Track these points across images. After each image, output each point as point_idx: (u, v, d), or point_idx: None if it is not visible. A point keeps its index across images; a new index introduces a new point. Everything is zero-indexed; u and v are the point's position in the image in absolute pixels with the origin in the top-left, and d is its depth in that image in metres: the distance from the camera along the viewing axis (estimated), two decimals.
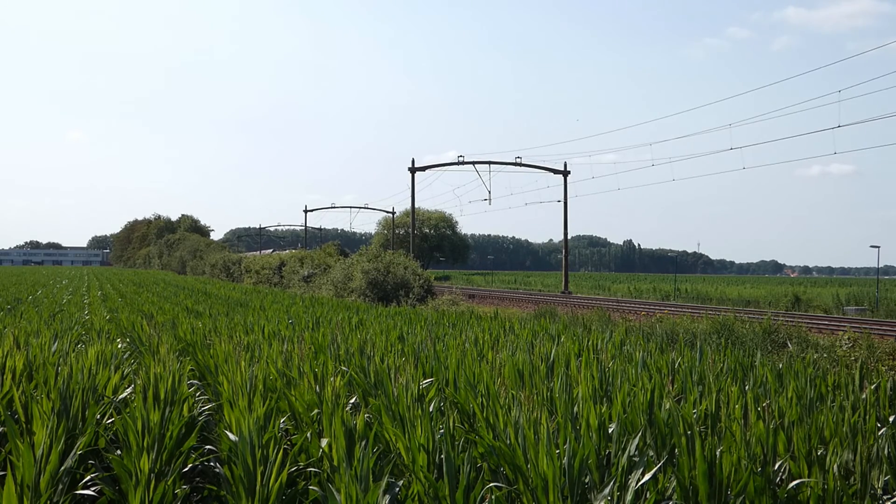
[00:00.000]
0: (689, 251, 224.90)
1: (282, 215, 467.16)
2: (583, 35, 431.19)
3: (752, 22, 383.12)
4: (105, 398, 6.84)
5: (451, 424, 5.39)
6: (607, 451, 5.02)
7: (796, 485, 4.66)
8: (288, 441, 6.44)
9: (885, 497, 4.83)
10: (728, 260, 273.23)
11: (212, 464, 6.02)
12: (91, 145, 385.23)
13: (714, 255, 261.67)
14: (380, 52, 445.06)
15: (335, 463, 5.01)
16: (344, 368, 7.95)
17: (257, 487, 4.68)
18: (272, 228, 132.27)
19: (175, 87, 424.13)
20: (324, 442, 5.39)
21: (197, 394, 8.09)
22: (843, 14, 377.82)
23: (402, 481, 4.90)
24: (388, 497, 4.41)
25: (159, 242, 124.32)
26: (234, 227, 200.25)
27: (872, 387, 6.40)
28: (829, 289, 51.60)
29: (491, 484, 4.83)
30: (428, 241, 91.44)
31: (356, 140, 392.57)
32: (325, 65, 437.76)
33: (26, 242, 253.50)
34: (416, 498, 4.77)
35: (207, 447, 6.31)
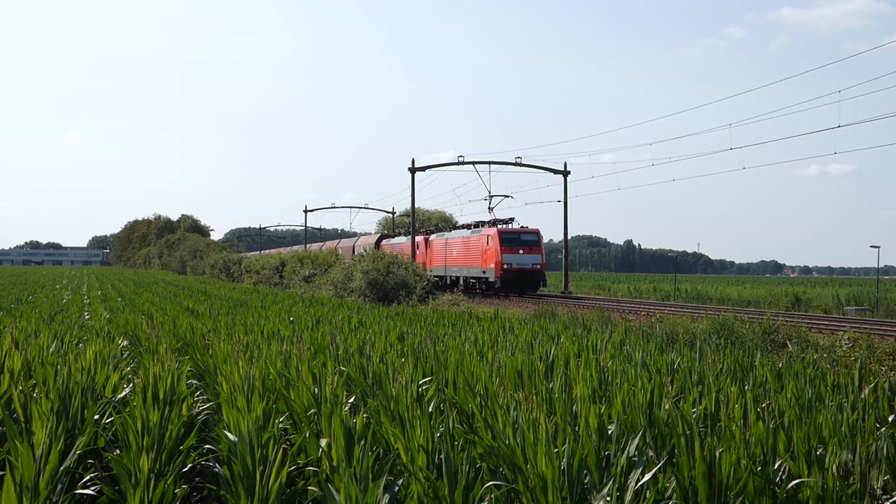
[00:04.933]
0: (689, 251, 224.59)
1: (282, 215, 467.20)
2: (582, 35, 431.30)
3: (748, 22, 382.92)
4: (104, 398, 6.85)
5: (450, 424, 5.39)
6: (606, 451, 5.02)
7: (796, 485, 4.66)
8: (287, 441, 6.44)
9: (884, 497, 4.83)
10: (728, 260, 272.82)
11: (211, 463, 6.02)
12: (91, 145, 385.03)
13: (714, 255, 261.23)
14: (381, 53, 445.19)
15: (334, 463, 5.01)
16: (343, 368, 7.95)
17: (257, 487, 4.68)
18: (272, 228, 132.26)
19: (175, 88, 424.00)
20: (323, 442, 5.39)
21: (196, 394, 8.09)
22: (838, 14, 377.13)
23: (401, 481, 4.90)
24: (387, 496, 4.41)
25: (159, 242, 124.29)
26: (234, 227, 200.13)
27: (871, 386, 6.40)
28: (829, 289, 51.60)
29: (490, 483, 4.82)
30: None
31: (356, 140, 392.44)
32: (326, 65, 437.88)
33: (26, 242, 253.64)
34: (416, 497, 4.77)
35: (207, 447, 6.31)
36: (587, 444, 4.64)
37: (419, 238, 48.78)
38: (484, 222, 43.43)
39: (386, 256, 32.28)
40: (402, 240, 53.86)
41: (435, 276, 43.94)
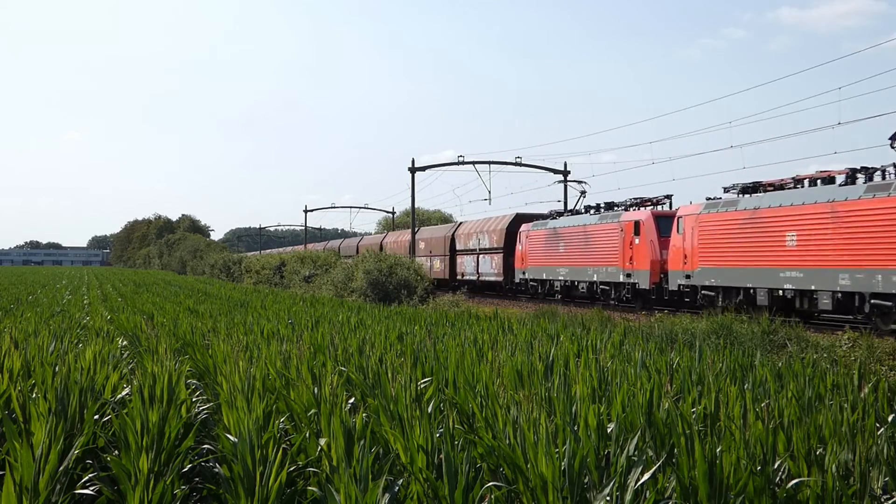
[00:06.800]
0: None
1: (282, 215, 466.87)
2: (582, 35, 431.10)
3: (747, 22, 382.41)
4: (103, 398, 6.84)
5: (450, 424, 5.38)
6: (606, 450, 5.01)
7: (795, 484, 4.66)
8: (287, 441, 6.44)
9: (884, 497, 4.83)
10: None
11: (211, 464, 6.02)
12: (90, 146, 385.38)
13: None
14: (380, 53, 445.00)
15: (334, 463, 5.01)
16: (342, 368, 7.94)
17: (256, 487, 4.68)
18: (272, 228, 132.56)
19: (175, 88, 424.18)
20: (322, 441, 5.38)
21: (196, 394, 8.08)
22: (837, 14, 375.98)
23: (401, 481, 4.89)
24: (387, 496, 4.41)
25: (159, 242, 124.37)
26: (234, 227, 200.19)
27: (871, 386, 6.40)
28: None
29: (490, 483, 4.82)
30: None
31: (356, 140, 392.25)
32: (326, 65, 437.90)
33: (26, 242, 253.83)
34: (416, 497, 4.77)
35: (206, 447, 6.30)
36: (587, 444, 4.64)
37: (630, 216, 27.34)
38: (812, 178, 19.76)
39: (389, 257, 32.16)
40: (574, 221, 31.70)
41: (707, 289, 22.90)
